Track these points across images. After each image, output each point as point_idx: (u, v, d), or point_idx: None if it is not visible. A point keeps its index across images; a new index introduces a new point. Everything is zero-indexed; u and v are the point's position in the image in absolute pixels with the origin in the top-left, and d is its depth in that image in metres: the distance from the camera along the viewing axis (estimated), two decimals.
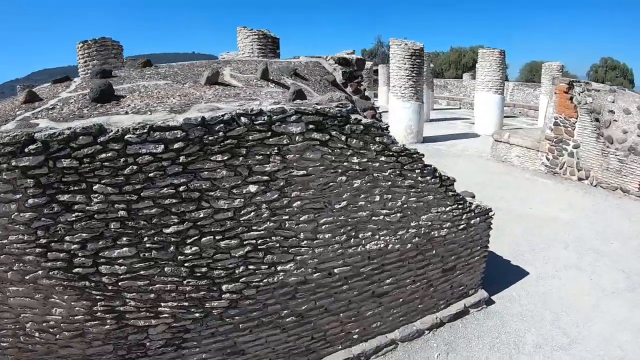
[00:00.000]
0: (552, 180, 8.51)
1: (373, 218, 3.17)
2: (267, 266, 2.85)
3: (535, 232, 6.02)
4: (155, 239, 2.49)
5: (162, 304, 2.64)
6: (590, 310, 4.19)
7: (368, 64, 20.93)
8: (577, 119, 8.44)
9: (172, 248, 2.54)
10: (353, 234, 3.11)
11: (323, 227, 2.97)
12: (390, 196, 3.21)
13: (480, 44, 39.56)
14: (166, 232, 2.50)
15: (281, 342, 3.12)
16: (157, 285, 2.58)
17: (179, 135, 2.37)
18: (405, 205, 3.34)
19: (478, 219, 3.96)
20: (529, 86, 21.97)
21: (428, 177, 3.47)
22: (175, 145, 2.38)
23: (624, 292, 4.49)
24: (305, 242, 2.93)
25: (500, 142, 10.13)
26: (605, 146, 7.92)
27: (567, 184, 8.30)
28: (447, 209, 3.63)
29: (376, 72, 25.02)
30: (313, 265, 3.01)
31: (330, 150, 2.83)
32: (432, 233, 3.58)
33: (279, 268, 2.90)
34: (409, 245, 3.45)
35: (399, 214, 3.31)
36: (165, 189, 2.43)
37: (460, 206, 3.75)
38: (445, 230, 3.67)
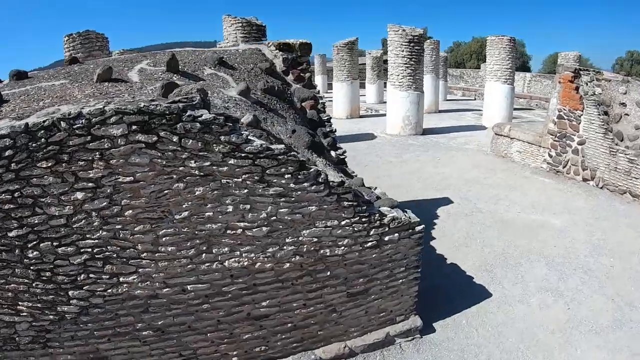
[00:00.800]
0: (553, 180, 7.45)
1: (229, 232, 2.64)
2: (108, 276, 2.57)
3: (516, 241, 5.05)
4: (2, 241, 2.37)
5: (20, 303, 2.52)
6: (556, 352, 3.24)
7: (377, 53, 19.87)
8: (583, 111, 7.34)
9: (17, 251, 2.41)
10: (204, 248, 2.63)
11: (164, 239, 2.55)
12: (248, 206, 2.62)
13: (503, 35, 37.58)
14: (10, 236, 2.37)
15: (145, 354, 2.81)
16: (12, 285, 2.47)
17: (7, 143, 2.23)
18: (274, 218, 2.71)
19: (396, 235, 3.10)
20: (548, 77, 20.42)
21: (306, 184, 2.70)
22: (6, 153, 2.25)
23: (606, 329, 3.49)
24: (145, 254, 2.56)
25: (501, 135, 9.07)
26: (614, 143, 6.81)
27: (569, 184, 7.24)
28: (343, 222, 2.88)
29: (387, 61, 24.06)
30: (160, 280, 2.64)
31: (160, 154, 2.37)
32: (323, 251, 2.90)
33: (121, 279, 2.59)
34: (288, 265, 2.84)
35: (264, 228, 2.71)
36: (3, 194, 2.30)
37: (364, 219, 2.95)
38: (343, 248, 2.94)
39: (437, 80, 16.49)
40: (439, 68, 17.12)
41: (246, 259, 2.72)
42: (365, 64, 20.01)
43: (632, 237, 5.18)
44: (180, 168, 2.42)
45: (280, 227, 2.73)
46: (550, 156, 7.93)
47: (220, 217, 2.58)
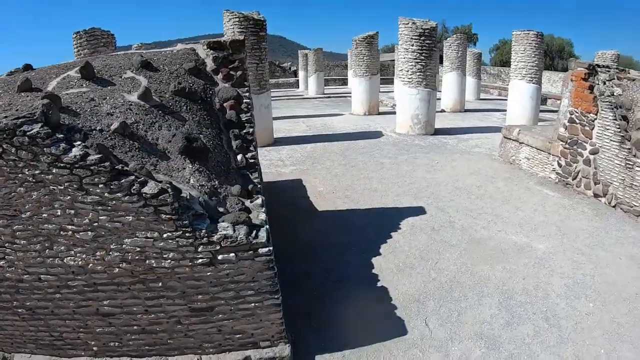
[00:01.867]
0: (559, 193, 6.28)
1: (62, 233, 2.72)
2: None
3: (477, 267, 4.05)
4: None
5: None
6: None
7: None
8: (597, 115, 6.11)
9: None
10: (47, 245, 2.75)
11: (17, 233, 2.73)
12: (73, 212, 2.66)
13: (550, 33, 35.14)
14: None
15: (25, 329, 3.00)
16: None
17: None
18: (97, 224, 2.67)
19: (232, 255, 2.67)
20: None
21: (119, 194, 2.57)
22: None
23: None
24: (7, 244, 2.76)
25: (509, 139, 7.89)
26: (632, 154, 5.56)
27: (576, 199, 6.05)
28: (165, 235, 2.64)
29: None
30: (21, 267, 2.80)
31: (5, 162, 2.58)
32: (149, 262, 2.73)
33: None
34: (117, 270, 2.77)
35: (90, 233, 2.69)
36: None
37: (188, 234, 2.63)
38: (169, 261, 2.70)
39: (463, 77, 15.15)
40: (466, 65, 15.72)
41: (80, 259, 2.76)
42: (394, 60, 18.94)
43: (631, 276, 3.98)
44: (20, 175, 2.58)
45: (104, 233, 2.68)
46: (560, 165, 6.72)
47: (53, 219, 2.67)
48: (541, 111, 14.68)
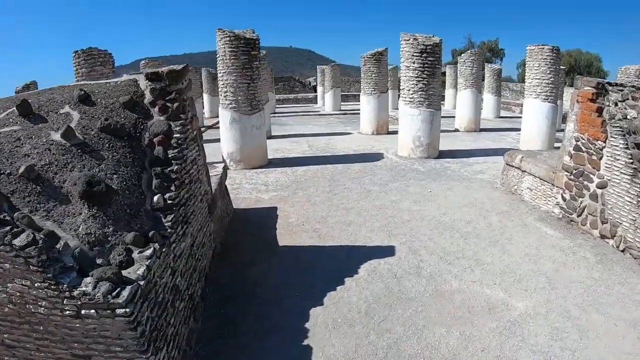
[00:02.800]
0: (560, 232, 5.43)
1: None
2: None
3: (428, 332, 3.31)
4: None
5: None
6: None
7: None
8: (605, 142, 5.27)
9: None
10: None
11: None
12: None
13: (578, 47, 33.66)
14: None
15: None
16: None
17: None
18: None
19: (93, 311, 2.47)
20: None
21: None
22: None
23: None
24: None
25: (512, 166, 7.08)
26: None
27: (579, 240, 5.20)
28: (36, 285, 2.52)
29: (444, 74, 22.05)
30: None
31: None
32: (29, 307, 2.62)
33: None
34: (7, 309, 2.68)
35: None
36: None
37: (52, 287, 2.48)
38: (43, 309, 2.57)
39: (478, 95, 14.27)
40: (482, 82, 14.82)
41: None
42: None
43: (625, 350, 3.17)
44: None
45: None
46: (564, 199, 5.86)
47: None
48: (561, 130, 13.66)
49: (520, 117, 19.44)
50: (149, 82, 4.21)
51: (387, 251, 4.77)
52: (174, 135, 3.95)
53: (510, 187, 7.06)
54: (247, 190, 7.58)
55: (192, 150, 4.31)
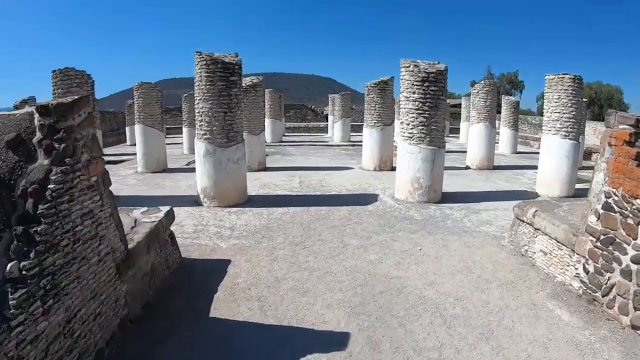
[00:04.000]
0: (578, 318, 4.16)
1: None
2: None
3: None
4: None
5: None
6: None
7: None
8: None
9: None
10: None
11: None
12: None
13: (598, 80, 32.41)
14: None
15: None
16: None
17: None
18: None
19: None
20: None
21: None
22: None
23: None
24: None
25: (523, 221, 5.86)
26: None
27: (604, 331, 3.91)
28: None
29: (459, 105, 21.02)
30: None
31: None
32: None
33: None
34: None
35: None
36: None
37: None
38: None
39: (492, 130, 13.07)
40: (497, 115, 13.65)
41: None
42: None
43: None
44: None
45: None
46: (586, 271, 4.60)
47: None
48: (583, 168, 12.31)
49: (538, 152, 18.24)
50: (40, 117, 3.31)
51: (337, 341, 3.57)
52: (49, 186, 2.99)
53: (519, 247, 5.82)
54: (209, 235, 6.55)
55: (84, 202, 3.33)
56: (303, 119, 31.14)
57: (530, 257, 5.56)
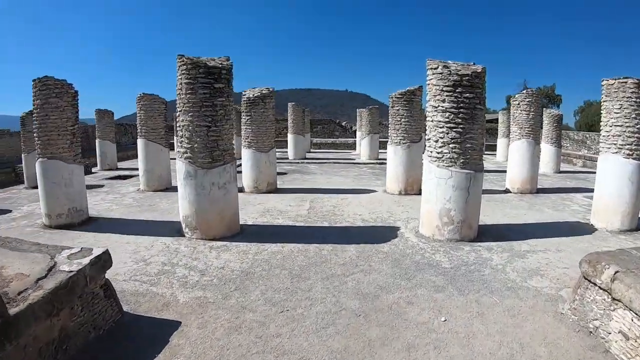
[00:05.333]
0: None
1: None
2: None
3: None
4: None
5: None
6: None
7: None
8: None
9: None
10: None
11: None
12: None
13: (627, 77, 29.35)
14: None
15: None
16: None
17: None
18: None
19: None
20: None
21: None
22: None
23: None
24: None
25: (593, 283, 4.14)
26: None
27: None
28: None
29: (496, 121, 19.14)
30: None
31: None
32: None
33: None
34: None
35: None
36: None
37: None
38: None
39: (535, 147, 11.15)
40: (541, 130, 11.70)
41: None
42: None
43: None
44: None
45: None
46: None
47: None
48: None
49: (583, 172, 16.01)
50: None
51: None
52: None
53: (586, 321, 4.07)
54: (172, 280, 5.15)
55: None
56: (331, 134, 29.77)
57: (603, 338, 3.81)
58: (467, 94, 6.48)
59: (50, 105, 7.74)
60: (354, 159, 20.03)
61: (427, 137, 6.92)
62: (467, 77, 6.48)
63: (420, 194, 10.74)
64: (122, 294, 4.72)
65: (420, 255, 6.05)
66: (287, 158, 20.05)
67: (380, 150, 20.18)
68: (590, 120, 32.59)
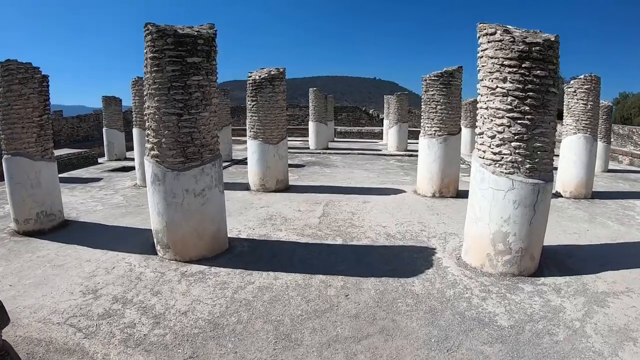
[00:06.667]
0: None
1: None
2: None
3: None
4: None
5: None
6: None
7: None
8: None
9: None
10: None
11: None
12: None
13: None
14: None
15: None
16: None
17: None
18: None
19: None
20: None
21: None
22: None
23: None
24: None
25: None
26: None
27: None
28: None
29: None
30: None
31: None
32: None
33: None
34: None
35: None
36: None
37: None
38: None
39: (593, 143, 8.91)
40: (597, 123, 9.29)
41: None
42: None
43: None
44: None
45: None
46: None
47: None
48: None
49: (632, 171, 13.47)
50: None
51: None
52: None
53: None
54: (115, 330, 3.52)
55: None
56: (357, 122, 27.70)
57: None
58: (538, 71, 4.45)
59: (13, 94, 6.17)
60: (380, 150, 18.03)
61: (478, 131, 4.94)
62: (537, 48, 4.45)
63: (457, 196, 8.84)
64: (47, 348, 3.17)
65: (466, 302, 4.15)
66: (308, 148, 18.23)
67: (409, 141, 18.08)
68: (626, 114, 29.59)
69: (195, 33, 4.88)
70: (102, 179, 11.34)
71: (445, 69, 8.39)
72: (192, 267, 5.00)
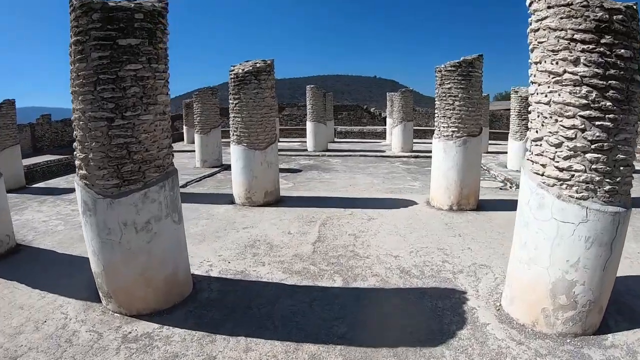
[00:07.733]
0: None
1: None
2: None
3: None
4: None
5: None
6: None
7: None
8: None
9: None
10: None
11: None
12: None
13: None
14: None
15: None
16: None
17: None
18: None
19: None
20: None
21: None
22: None
23: None
24: None
25: None
26: None
27: None
28: None
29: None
30: None
31: None
32: None
33: None
34: None
35: None
36: None
37: None
38: None
39: None
40: None
41: None
42: None
43: None
44: None
45: None
46: None
47: None
48: None
49: None
50: None
51: None
52: None
53: None
54: None
55: None
56: (358, 121, 26.19)
57: None
58: (622, 50, 2.98)
59: None
60: (384, 151, 16.57)
61: (531, 137, 3.48)
62: (620, 17, 2.98)
63: (477, 208, 7.40)
64: None
65: None
66: (306, 150, 16.81)
67: (414, 141, 16.62)
68: None
69: (132, 5, 3.43)
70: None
71: (463, 57, 6.91)
72: (139, 326, 3.59)
